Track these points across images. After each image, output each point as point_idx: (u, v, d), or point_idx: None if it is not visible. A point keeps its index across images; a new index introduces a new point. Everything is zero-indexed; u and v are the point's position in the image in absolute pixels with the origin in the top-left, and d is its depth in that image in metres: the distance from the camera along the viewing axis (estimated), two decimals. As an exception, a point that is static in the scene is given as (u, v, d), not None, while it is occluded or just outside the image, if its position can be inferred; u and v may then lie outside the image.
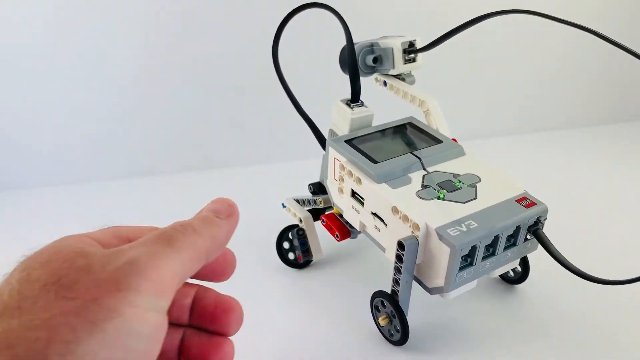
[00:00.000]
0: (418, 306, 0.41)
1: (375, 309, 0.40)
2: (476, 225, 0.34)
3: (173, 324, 0.26)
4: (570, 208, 0.58)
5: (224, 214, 0.25)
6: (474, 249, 0.33)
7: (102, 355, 0.18)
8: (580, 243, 0.51)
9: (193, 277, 0.24)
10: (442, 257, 0.33)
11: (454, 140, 0.43)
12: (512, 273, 0.44)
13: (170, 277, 0.20)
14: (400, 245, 0.34)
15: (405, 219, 0.35)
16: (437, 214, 0.35)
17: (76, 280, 0.19)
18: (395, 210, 0.36)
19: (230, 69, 0.73)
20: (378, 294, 0.38)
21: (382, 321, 0.38)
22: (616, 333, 0.39)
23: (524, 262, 0.43)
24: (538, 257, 0.39)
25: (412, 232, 0.34)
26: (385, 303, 0.38)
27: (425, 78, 0.50)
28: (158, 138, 0.75)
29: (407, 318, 0.37)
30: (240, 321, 0.27)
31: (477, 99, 0.83)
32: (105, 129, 0.73)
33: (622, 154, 0.75)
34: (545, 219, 0.36)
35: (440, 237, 0.33)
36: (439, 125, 0.44)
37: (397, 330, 0.38)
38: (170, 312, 0.25)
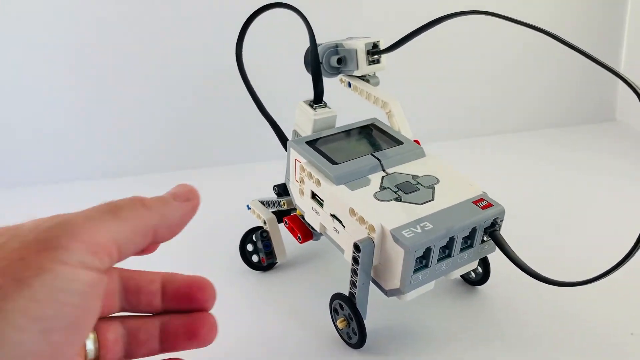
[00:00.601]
0: (378, 308, 0.41)
1: (334, 312, 0.39)
2: (431, 226, 0.33)
3: (147, 315, 0.27)
4: (532, 210, 0.59)
5: (181, 197, 0.25)
6: (428, 250, 0.33)
7: (33, 310, 0.18)
8: (540, 245, 0.51)
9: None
10: (397, 258, 0.33)
11: (417, 141, 0.43)
12: (473, 274, 0.44)
13: (105, 240, 0.21)
14: (356, 247, 0.34)
15: (362, 220, 0.35)
16: (392, 215, 0.34)
17: (1, 245, 0.20)
18: (352, 211, 0.35)
19: (192, 69, 0.72)
20: (336, 297, 0.38)
21: (340, 324, 0.38)
22: (572, 334, 0.40)
23: (485, 264, 0.43)
24: (500, 259, 0.39)
25: (368, 234, 0.34)
26: (343, 305, 0.37)
27: (390, 80, 0.50)
28: (121, 141, 0.74)
29: (365, 321, 0.37)
30: (215, 296, 0.28)
31: (439, 102, 0.83)
32: (71, 129, 0.72)
33: (581, 156, 0.76)
34: (502, 220, 0.36)
35: (395, 239, 0.33)
36: (401, 126, 0.44)
37: (355, 333, 0.37)
38: (141, 301, 0.27)
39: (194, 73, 0.72)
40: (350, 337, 0.38)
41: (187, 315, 0.27)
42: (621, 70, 0.31)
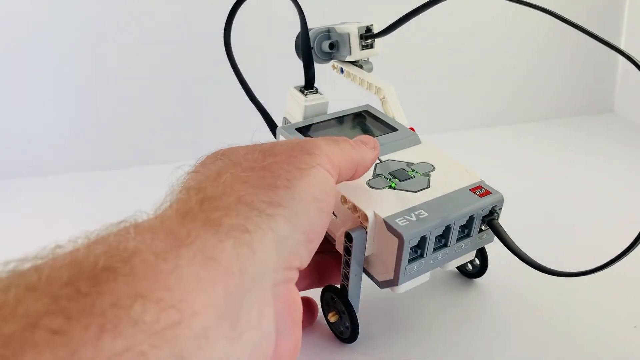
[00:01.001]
0: (371, 301, 0.40)
1: (325, 305, 0.38)
2: (426, 214, 0.32)
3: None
4: (530, 201, 0.57)
5: (370, 145, 0.31)
6: (423, 239, 0.32)
7: (309, 191, 0.23)
8: (539, 236, 0.49)
9: None
10: (391, 248, 0.31)
11: (411, 128, 0.42)
12: (470, 266, 0.42)
13: (335, 160, 0.27)
14: (348, 236, 0.32)
15: (354, 208, 0.33)
16: (386, 203, 0.33)
17: (272, 146, 0.25)
18: (343, 200, 0.34)
19: (178, 55, 0.70)
20: (328, 289, 0.36)
21: (331, 317, 0.36)
22: (575, 326, 0.38)
23: (482, 255, 0.41)
24: (498, 251, 0.37)
25: (361, 223, 0.33)
26: (335, 298, 0.36)
27: (384, 66, 0.49)
28: (109, 133, 0.72)
29: (357, 314, 0.35)
30: None
31: (433, 92, 0.81)
32: (64, 122, 0.70)
33: (579, 147, 0.74)
34: (501, 208, 0.35)
35: (389, 227, 0.31)
36: (395, 113, 0.43)
37: (347, 327, 0.36)
38: None
39: (179, 60, 0.70)
40: (342, 332, 0.37)
41: (336, 256, 0.34)
42: (619, 63, 0.29)
